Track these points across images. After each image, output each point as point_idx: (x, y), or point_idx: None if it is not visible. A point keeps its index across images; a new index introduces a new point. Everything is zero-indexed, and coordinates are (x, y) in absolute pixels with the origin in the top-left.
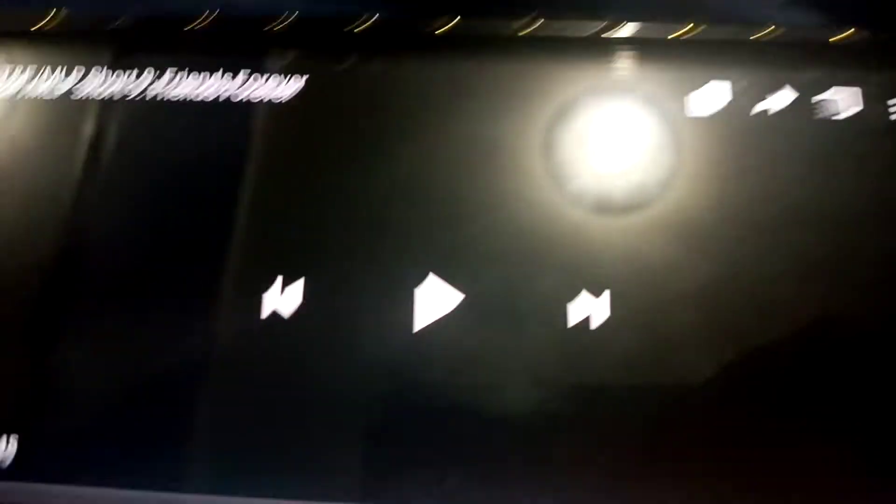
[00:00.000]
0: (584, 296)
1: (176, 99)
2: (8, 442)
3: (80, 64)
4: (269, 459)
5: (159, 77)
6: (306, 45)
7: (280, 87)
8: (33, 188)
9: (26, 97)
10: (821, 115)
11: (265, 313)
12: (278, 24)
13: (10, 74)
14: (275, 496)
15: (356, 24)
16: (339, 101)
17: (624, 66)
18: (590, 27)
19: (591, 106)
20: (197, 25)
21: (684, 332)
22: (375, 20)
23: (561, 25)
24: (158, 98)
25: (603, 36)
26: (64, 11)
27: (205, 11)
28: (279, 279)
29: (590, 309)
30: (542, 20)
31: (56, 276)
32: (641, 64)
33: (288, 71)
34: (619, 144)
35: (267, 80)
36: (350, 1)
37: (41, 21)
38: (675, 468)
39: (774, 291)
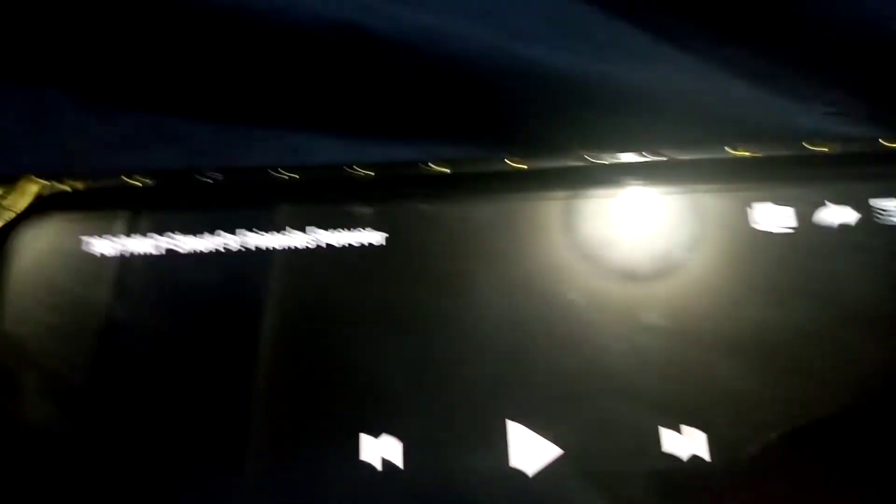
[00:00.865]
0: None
1: (261, 249)
2: None
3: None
4: None
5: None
6: (382, 191)
7: (357, 236)
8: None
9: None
10: (884, 224)
11: (358, 472)
12: (354, 172)
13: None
14: None
15: (427, 166)
16: (419, 246)
17: (684, 187)
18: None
19: (659, 231)
20: (276, 178)
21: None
22: (448, 162)
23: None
24: (246, 249)
25: (663, 160)
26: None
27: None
28: (364, 436)
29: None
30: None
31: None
32: (701, 183)
33: (364, 220)
34: (695, 268)
35: (343, 230)
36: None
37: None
38: None
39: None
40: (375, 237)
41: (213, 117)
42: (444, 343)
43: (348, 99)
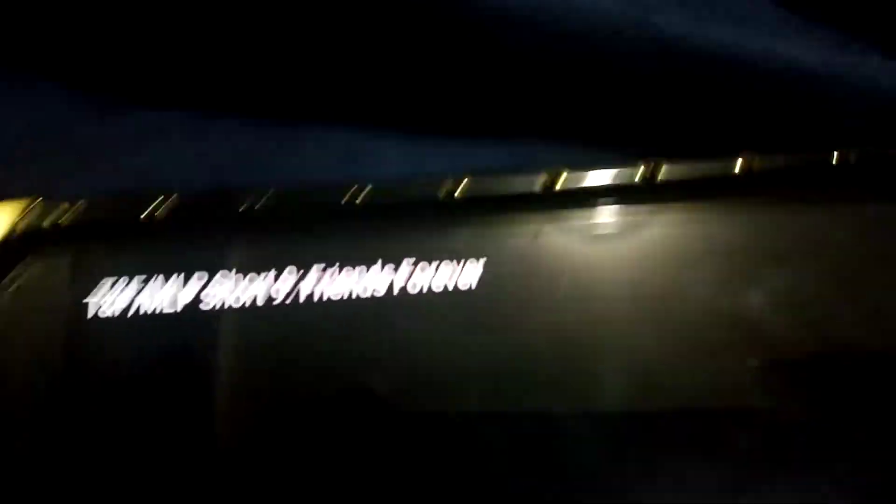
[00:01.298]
0: None
1: (334, 298)
2: None
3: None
4: None
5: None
6: (478, 221)
7: (454, 273)
8: None
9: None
10: None
11: None
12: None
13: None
14: None
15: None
16: (521, 281)
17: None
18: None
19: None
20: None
21: None
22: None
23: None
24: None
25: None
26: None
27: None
28: None
29: None
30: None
31: None
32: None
33: (462, 254)
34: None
35: (437, 266)
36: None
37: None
38: None
39: None
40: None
41: (249, 113)
42: None
43: (434, 90)
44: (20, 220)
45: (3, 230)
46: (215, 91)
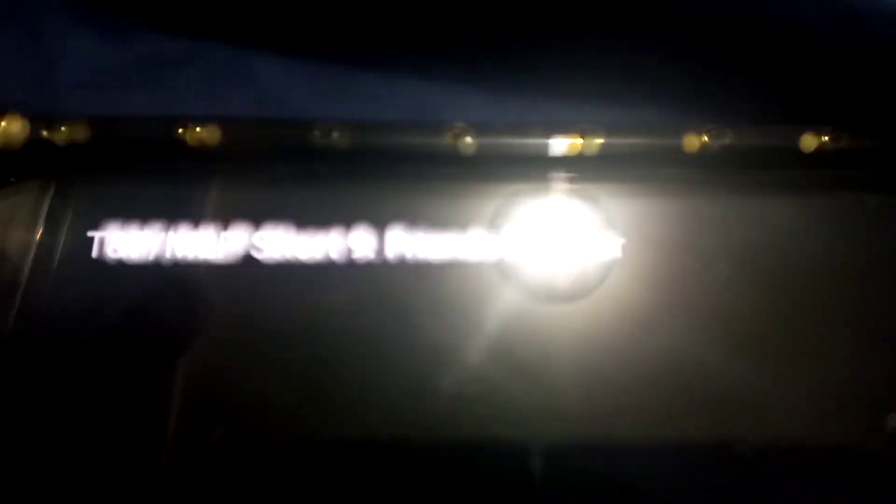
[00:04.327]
0: None
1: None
2: None
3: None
4: None
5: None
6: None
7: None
8: None
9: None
10: None
11: None
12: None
13: None
14: None
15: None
16: None
17: None
18: None
19: None
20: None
21: None
22: None
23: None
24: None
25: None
26: None
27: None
28: None
29: None
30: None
31: None
32: None
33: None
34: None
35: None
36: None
37: None
38: None
39: None
40: None
41: (290, 49)
42: None
43: (521, 42)
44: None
45: None
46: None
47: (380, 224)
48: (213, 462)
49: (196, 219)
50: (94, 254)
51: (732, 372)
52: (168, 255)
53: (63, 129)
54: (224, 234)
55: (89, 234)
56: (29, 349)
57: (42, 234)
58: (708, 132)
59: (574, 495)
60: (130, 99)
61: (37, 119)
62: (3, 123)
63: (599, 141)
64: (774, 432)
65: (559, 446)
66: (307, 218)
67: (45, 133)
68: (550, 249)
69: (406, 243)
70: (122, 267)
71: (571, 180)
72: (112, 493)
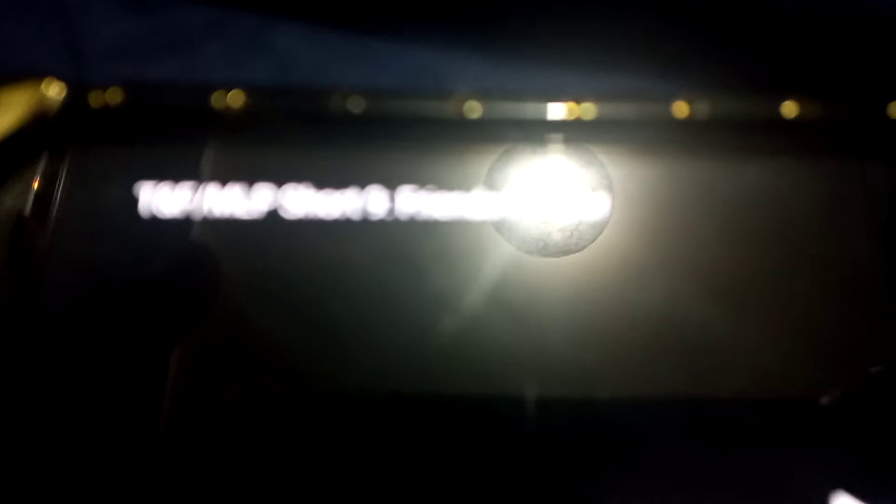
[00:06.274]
0: None
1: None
2: None
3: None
4: None
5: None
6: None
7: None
8: None
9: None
10: None
11: None
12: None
13: None
14: None
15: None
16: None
17: None
18: None
19: None
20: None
21: None
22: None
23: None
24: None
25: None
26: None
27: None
28: None
29: None
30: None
31: None
32: None
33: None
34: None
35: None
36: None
37: None
38: None
39: None
40: None
41: (309, 19)
42: None
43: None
44: (35, 106)
45: (16, 116)
46: None
47: (391, 184)
48: (231, 411)
49: (223, 179)
50: (129, 212)
51: (717, 323)
52: (197, 213)
53: (100, 93)
54: (249, 192)
55: (124, 193)
56: (68, 302)
57: (79, 195)
58: (695, 99)
59: (562, 436)
60: (157, 68)
61: (73, 84)
62: (41, 87)
63: (593, 106)
64: (760, 382)
65: (551, 389)
66: (325, 178)
67: (81, 97)
68: (546, 208)
69: (415, 202)
70: (155, 224)
71: (567, 143)
72: (134, 439)
